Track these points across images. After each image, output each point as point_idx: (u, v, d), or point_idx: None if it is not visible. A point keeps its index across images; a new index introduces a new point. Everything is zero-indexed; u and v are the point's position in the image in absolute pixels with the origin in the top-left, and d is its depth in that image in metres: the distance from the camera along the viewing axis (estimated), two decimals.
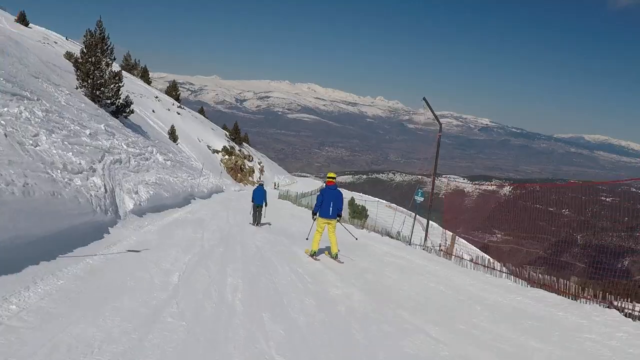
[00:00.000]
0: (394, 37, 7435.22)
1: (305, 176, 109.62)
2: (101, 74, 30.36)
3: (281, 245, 11.30)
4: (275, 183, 70.76)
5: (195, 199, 22.20)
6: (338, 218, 10.02)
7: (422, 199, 17.72)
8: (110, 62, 31.68)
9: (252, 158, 79.52)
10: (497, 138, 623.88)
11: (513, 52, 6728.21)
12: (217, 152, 68.26)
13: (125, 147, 17.96)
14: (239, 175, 66.90)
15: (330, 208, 9.81)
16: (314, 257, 9.79)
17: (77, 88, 28.84)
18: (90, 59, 30.10)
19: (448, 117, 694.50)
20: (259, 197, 16.23)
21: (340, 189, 10.18)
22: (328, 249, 10.30)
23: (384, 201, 57.35)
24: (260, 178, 71.04)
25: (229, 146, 72.84)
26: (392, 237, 17.14)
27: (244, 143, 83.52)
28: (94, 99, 29.61)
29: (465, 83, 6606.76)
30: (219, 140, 73.41)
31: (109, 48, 31.35)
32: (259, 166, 79.41)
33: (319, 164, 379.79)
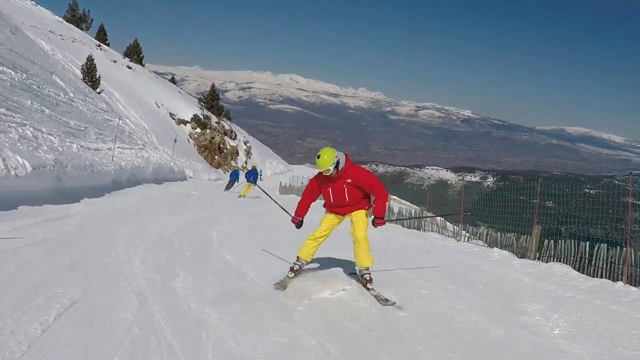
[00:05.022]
0: (376, 29, 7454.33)
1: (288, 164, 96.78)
2: None
3: None
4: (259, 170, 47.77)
5: None
6: (253, 184, 21.27)
7: None
8: None
9: (235, 135, 61.10)
10: (479, 130, 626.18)
11: (496, 44, 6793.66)
12: (185, 122, 52.58)
13: None
14: (216, 157, 51.93)
15: (251, 178, 22.00)
16: (240, 197, 21.98)
17: None
18: None
19: (430, 108, 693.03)
20: (234, 177, 26.74)
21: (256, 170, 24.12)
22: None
23: None
24: (246, 163, 56.88)
25: (203, 115, 55.42)
26: None
27: (224, 117, 63.74)
28: None
29: (448, 75, 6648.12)
30: (189, 107, 56.03)
31: None
32: (245, 146, 62.25)
33: (301, 155, 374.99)
